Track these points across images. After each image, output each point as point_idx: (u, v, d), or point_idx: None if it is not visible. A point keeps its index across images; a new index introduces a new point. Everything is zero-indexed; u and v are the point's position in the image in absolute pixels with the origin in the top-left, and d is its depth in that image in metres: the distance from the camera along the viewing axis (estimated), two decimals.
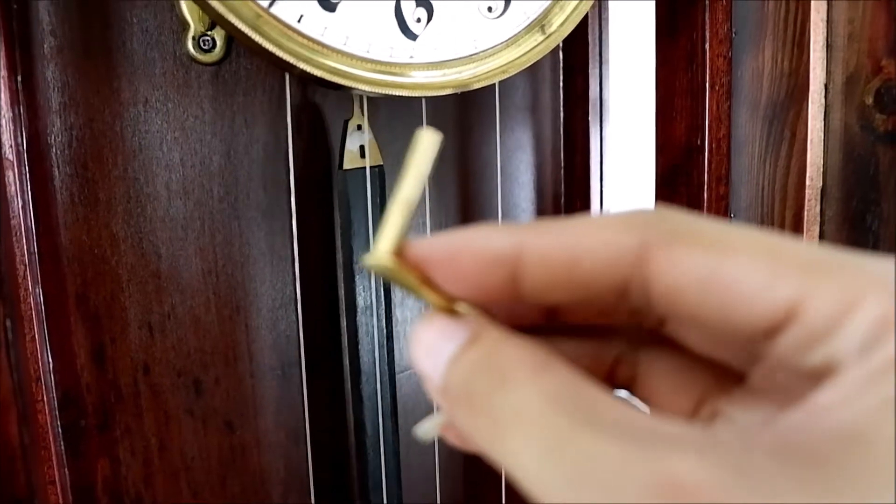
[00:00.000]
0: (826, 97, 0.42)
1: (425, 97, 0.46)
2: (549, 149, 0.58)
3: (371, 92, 0.41)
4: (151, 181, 0.47)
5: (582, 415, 0.13)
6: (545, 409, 0.14)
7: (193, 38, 0.47)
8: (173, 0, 0.46)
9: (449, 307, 0.17)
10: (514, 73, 0.44)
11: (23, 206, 0.43)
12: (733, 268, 0.14)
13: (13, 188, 0.42)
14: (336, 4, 0.40)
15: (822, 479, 0.12)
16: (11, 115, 0.43)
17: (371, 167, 0.48)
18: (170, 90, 0.47)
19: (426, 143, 0.17)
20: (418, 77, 0.42)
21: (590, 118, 0.57)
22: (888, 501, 0.11)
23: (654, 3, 0.53)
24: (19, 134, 0.43)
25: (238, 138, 0.49)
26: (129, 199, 0.47)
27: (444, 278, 0.16)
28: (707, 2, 0.48)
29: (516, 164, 0.57)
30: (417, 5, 0.42)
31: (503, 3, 0.44)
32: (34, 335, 0.43)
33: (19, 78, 0.44)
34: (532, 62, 0.44)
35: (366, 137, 0.48)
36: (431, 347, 0.16)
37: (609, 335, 0.19)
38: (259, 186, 0.50)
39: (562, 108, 0.58)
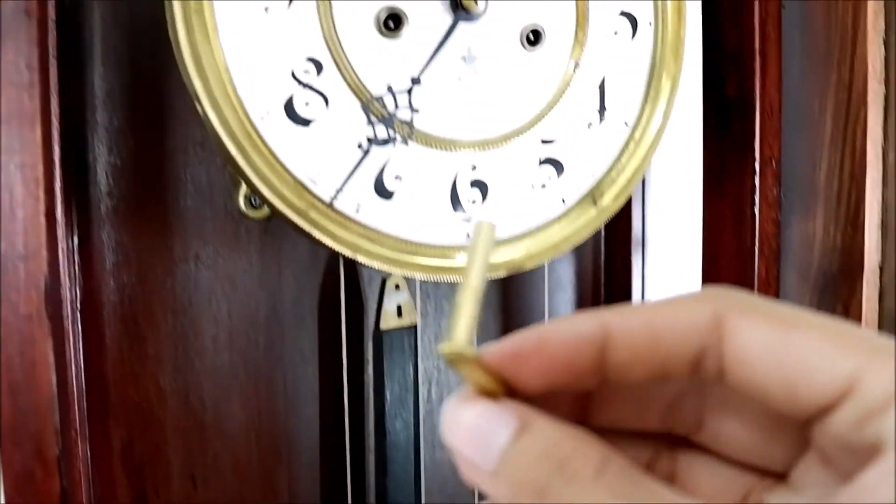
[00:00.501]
0: (881, 278, 0.42)
1: None
2: (591, 288, 0.58)
3: (426, 278, 0.41)
4: (199, 335, 0.48)
5: None
6: (602, 496, 0.15)
7: (244, 195, 0.47)
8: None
9: (495, 394, 0.17)
10: (566, 250, 0.44)
11: (76, 371, 0.43)
12: (800, 340, 0.15)
13: (69, 354, 0.43)
14: (393, 192, 0.40)
15: None
16: (69, 281, 0.43)
17: (407, 327, 0.48)
18: (220, 245, 0.48)
19: (485, 234, 0.18)
20: None
21: (632, 258, 0.57)
22: None
23: (700, 155, 0.53)
24: (74, 297, 0.44)
25: (284, 290, 0.50)
26: (177, 354, 0.47)
27: (533, 366, 0.17)
28: (756, 165, 0.48)
29: (557, 304, 0.57)
30: (472, 186, 0.42)
31: (556, 177, 0.44)
32: (82, 499, 0.44)
33: (76, 240, 0.44)
34: (584, 238, 0.44)
35: (403, 297, 0.48)
36: (478, 432, 0.16)
37: (642, 438, 0.20)
38: (303, 337, 0.50)
39: (603, 248, 0.58)
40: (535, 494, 0.15)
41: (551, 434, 0.16)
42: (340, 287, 0.47)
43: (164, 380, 0.47)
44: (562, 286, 0.58)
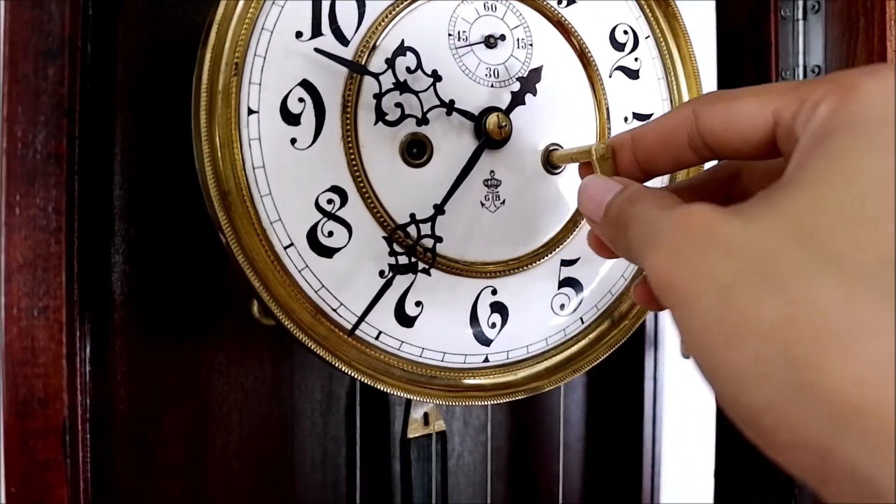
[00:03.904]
0: None
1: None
2: (603, 386, 0.58)
3: (443, 402, 0.40)
4: (209, 444, 0.47)
5: (662, 208, 0.23)
6: (645, 207, 0.24)
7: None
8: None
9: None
10: (583, 370, 0.43)
11: (84, 487, 0.43)
12: (738, 105, 0.24)
13: (80, 473, 0.42)
14: (413, 319, 0.40)
15: (786, 193, 0.20)
16: (80, 396, 0.42)
17: (435, 433, 0.48)
18: (233, 352, 0.47)
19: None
20: (490, 381, 0.42)
21: (645, 357, 0.57)
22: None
23: None
24: (84, 408, 0.43)
25: (296, 397, 0.49)
26: (187, 465, 0.46)
27: (651, 138, 0.28)
28: None
29: (570, 403, 0.57)
30: (493, 311, 0.42)
31: (575, 296, 0.44)
32: None
33: (88, 352, 0.43)
34: (603, 355, 0.44)
35: (429, 405, 0.47)
36: (596, 194, 0.27)
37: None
38: (315, 445, 0.49)
39: None
40: (616, 220, 0.25)
41: (635, 187, 0.26)
42: (356, 394, 0.47)
43: (173, 493, 0.46)
44: (573, 387, 0.57)
